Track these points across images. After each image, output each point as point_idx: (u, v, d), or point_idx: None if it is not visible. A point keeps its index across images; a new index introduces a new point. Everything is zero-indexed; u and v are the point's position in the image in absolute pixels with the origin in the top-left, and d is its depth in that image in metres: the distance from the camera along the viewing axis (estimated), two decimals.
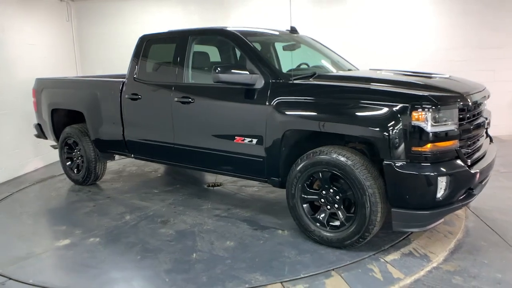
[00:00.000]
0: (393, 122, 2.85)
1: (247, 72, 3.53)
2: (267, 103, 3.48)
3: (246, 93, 3.63)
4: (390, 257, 3.11)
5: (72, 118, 5.51)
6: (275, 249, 3.33)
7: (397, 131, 2.85)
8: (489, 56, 7.16)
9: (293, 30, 4.74)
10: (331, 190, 3.24)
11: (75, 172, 5.43)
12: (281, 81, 3.51)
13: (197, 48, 4.26)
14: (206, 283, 2.87)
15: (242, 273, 2.98)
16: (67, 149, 5.46)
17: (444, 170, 2.84)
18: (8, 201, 5.00)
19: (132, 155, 4.80)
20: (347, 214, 3.19)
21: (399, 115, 2.85)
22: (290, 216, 3.63)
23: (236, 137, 3.73)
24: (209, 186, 5.17)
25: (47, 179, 5.93)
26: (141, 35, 4.64)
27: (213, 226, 3.86)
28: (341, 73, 4.19)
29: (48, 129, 5.62)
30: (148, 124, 4.47)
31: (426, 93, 2.89)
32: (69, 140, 5.38)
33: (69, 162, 5.50)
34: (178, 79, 4.17)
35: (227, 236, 3.63)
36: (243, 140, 3.68)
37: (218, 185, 5.16)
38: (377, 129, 2.90)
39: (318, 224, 3.34)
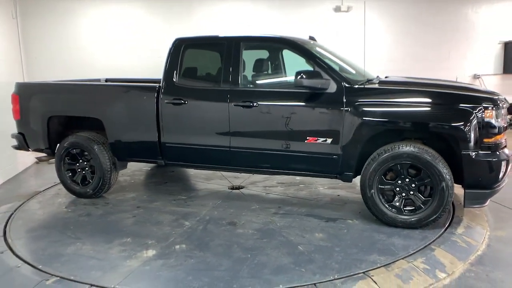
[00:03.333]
0: (472, 120, 3.57)
1: (328, 78, 3.90)
2: (345, 106, 3.89)
3: (317, 97, 3.99)
4: (459, 231, 3.81)
5: (70, 126, 5.03)
6: (365, 235, 3.74)
7: (475, 127, 3.57)
8: (421, 67, 8.56)
9: (312, 39, 5.21)
10: (407, 180, 3.81)
11: (80, 184, 4.94)
12: (354, 86, 3.96)
13: (248, 53, 4.43)
14: (341, 268, 3.14)
15: (362, 256, 3.33)
16: (68, 160, 4.94)
17: (505, 156, 3.67)
18: (19, 223, 4.33)
19: (165, 162, 4.65)
20: (424, 198, 3.79)
21: (475, 114, 3.58)
22: (343, 208, 4.06)
23: (308, 138, 4.03)
24: (233, 188, 5.26)
25: (33, 196, 5.22)
26: (176, 38, 4.56)
27: (285, 222, 4.07)
28: (395, 78, 4.79)
29: (40, 139, 4.99)
30: (196, 129, 4.42)
31: (493, 96, 3.69)
32: (74, 150, 4.88)
33: (70, 174, 4.97)
34: (233, 84, 4.27)
35: (308, 229, 3.89)
36: (316, 140, 4.01)
37: (241, 188, 5.28)
38: (460, 125, 3.58)
39: (394, 210, 3.87)
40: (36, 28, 7.28)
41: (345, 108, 3.89)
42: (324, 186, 5.21)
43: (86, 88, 5.02)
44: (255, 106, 4.15)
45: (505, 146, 3.78)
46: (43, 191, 5.44)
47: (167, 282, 3.06)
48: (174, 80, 4.48)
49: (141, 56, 7.64)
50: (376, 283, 2.96)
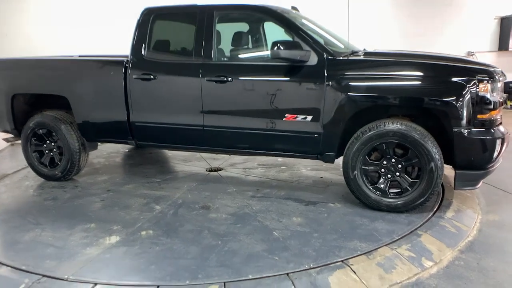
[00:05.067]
0: (465, 94, 3.26)
1: (309, 49, 3.56)
2: (326, 80, 3.56)
3: (297, 70, 3.66)
4: (448, 215, 3.54)
5: (38, 105, 4.68)
6: (347, 220, 3.46)
7: (468, 101, 3.26)
8: (411, 42, 8.21)
9: (295, 9, 4.84)
10: (393, 160, 3.52)
11: (48, 166, 4.62)
12: (337, 58, 3.63)
13: (223, 25, 4.07)
14: (318, 256, 2.87)
15: (342, 243, 3.05)
16: (35, 140, 4.61)
17: (499, 134, 3.37)
18: None
19: (137, 142, 4.33)
20: (412, 180, 3.50)
21: (469, 87, 3.26)
22: (326, 190, 3.80)
23: (287, 115, 3.72)
24: (211, 170, 4.96)
25: (1, 178, 4.90)
26: (145, 8, 4.18)
27: (262, 206, 3.78)
28: (383, 50, 4.45)
29: (5, 119, 4.64)
30: (166, 106, 4.09)
31: (489, 68, 3.37)
32: (40, 130, 4.54)
33: (37, 156, 4.64)
34: (206, 58, 3.92)
35: (286, 213, 3.61)
36: (296, 117, 3.70)
37: (219, 170, 4.98)
38: (452, 100, 3.27)
39: (378, 192, 3.58)
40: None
41: (327, 82, 3.56)
42: (307, 168, 4.92)
43: (49, 63, 4.65)
44: (229, 81, 3.81)
45: (500, 123, 3.49)
46: (11, 173, 5.12)
47: (127, 272, 2.78)
48: (143, 53, 4.12)
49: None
50: (355, 273, 2.69)
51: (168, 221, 3.51)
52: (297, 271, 2.68)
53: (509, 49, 9.61)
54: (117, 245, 3.12)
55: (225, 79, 3.82)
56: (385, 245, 3.02)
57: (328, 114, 3.61)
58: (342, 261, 2.81)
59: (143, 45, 4.11)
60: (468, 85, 3.28)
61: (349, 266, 2.74)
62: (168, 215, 3.63)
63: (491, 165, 3.43)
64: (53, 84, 4.41)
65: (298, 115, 3.69)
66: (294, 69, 3.67)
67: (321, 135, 3.67)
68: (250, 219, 3.50)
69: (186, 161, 5.42)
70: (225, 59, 4.06)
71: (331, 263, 2.77)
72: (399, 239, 3.11)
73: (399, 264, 2.81)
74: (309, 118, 3.66)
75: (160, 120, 4.12)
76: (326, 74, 3.57)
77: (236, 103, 3.88)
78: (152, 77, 4.03)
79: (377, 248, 2.97)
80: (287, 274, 2.66)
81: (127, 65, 4.13)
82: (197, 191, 4.23)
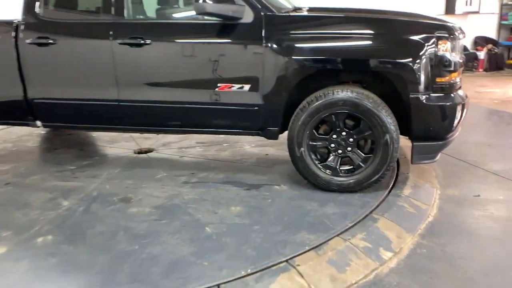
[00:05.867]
0: (422, 54, 2.79)
1: (243, 3, 2.92)
2: (264, 41, 2.96)
3: (229, 29, 3.03)
4: (406, 192, 3.14)
5: None
6: (293, 205, 2.96)
7: (426, 62, 2.80)
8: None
9: None
10: (344, 133, 3.03)
11: None
12: (276, 14, 3.02)
13: None
14: (259, 256, 2.34)
15: (287, 236, 2.55)
16: None
17: (460, 99, 2.97)
18: None
19: (40, 123, 3.54)
20: (365, 155, 3.05)
21: (427, 46, 2.80)
22: (271, 170, 3.32)
23: (219, 85, 3.09)
24: (140, 152, 4.27)
25: None
26: None
27: (195, 194, 3.19)
28: (330, 7, 3.85)
29: None
30: (71, 78, 3.32)
31: (447, 24, 2.92)
32: None
33: None
34: (117, 15, 3.17)
35: (223, 202, 3.05)
36: (230, 87, 3.09)
37: (150, 151, 4.30)
38: (408, 62, 2.80)
39: (328, 171, 3.11)
40: None
41: (265, 44, 2.97)
42: (251, 144, 4.36)
43: None
44: (147, 44, 3.11)
45: (460, 87, 3.08)
46: None
47: None
48: (38, 12, 3.28)
49: None
50: (302, 276, 2.19)
51: (75, 221, 2.83)
52: (231, 280, 2.14)
53: (456, 13, 9.49)
54: (1, 258, 2.42)
55: (141, 41, 3.11)
56: (337, 235, 2.55)
57: (269, 83, 3.03)
58: (287, 260, 2.30)
59: (37, 1, 3.28)
60: (426, 44, 2.82)
61: (295, 268, 2.23)
62: (77, 213, 2.95)
63: (451, 134, 3.04)
64: None
65: (233, 85, 3.08)
66: (226, 28, 3.04)
67: (261, 107, 3.10)
68: (179, 212, 2.90)
69: (111, 142, 4.66)
70: (141, 16, 3.33)
71: (274, 265, 2.25)
72: (353, 226, 2.66)
73: (354, 259, 2.36)
74: (246, 87, 3.07)
75: (64, 96, 3.36)
76: (264, 34, 2.97)
77: (158, 72, 3.20)
78: (50, 41, 3.23)
79: (327, 240, 2.49)
80: (218, 285, 2.11)
81: (18, 27, 3.29)
82: (119, 179, 3.54)
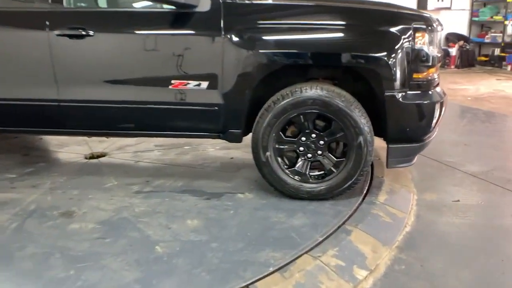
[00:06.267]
0: (399, 47, 2.52)
1: None
2: (223, 32, 2.63)
3: (184, 18, 2.68)
4: (381, 199, 2.87)
5: None
6: (258, 216, 2.64)
7: (402, 57, 2.53)
8: None
9: None
10: (313, 135, 2.74)
11: None
12: (237, 1, 2.69)
13: None
14: (215, 281, 2.01)
15: (249, 254, 2.22)
16: None
17: (438, 97, 2.72)
18: None
19: None
20: (336, 159, 2.76)
21: (403, 39, 2.53)
22: (235, 176, 3.02)
23: (173, 82, 2.74)
24: (92, 157, 3.85)
25: None
26: None
27: (148, 206, 2.82)
28: None
29: None
30: (1, 75, 2.88)
31: (424, 15, 2.65)
32: None
33: None
34: (55, 3, 2.76)
35: (179, 215, 2.70)
36: (186, 84, 2.74)
37: (102, 156, 3.89)
38: (383, 56, 2.52)
39: (297, 177, 2.80)
40: None
41: (225, 35, 2.63)
42: (215, 147, 4.01)
43: None
44: (90, 35, 2.72)
45: (438, 84, 2.84)
46: None
47: None
48: None
49: None
50: None
51: (2, 242, 2.42)
52: None
53: (428, 9, 9.40)
54: None
55: (83, 33, 2.72)
56: (306, 252, 2.24)
57: (229, 79, 2.70)
58: (247, 286, 1.98)
59: None
60: (402, 36, 2.55)
61: None
62: (8, 231, 2.53)
63: (428, 135, 2.79)
64: None
65: (188, 82, 2.73)
66: (180, 18, 2.69)
67: (221, 107, 2.76)
68: (127, 228, 2.53)
69: (61, 146, 4.21)
70: (83, 4, 2.93)
71: None
72: (323, 240, 2.36)
73: (324, 281, 2.06)
74: (204, 84, 2.73)
75: None
76: (222, 25, 2.63)
77: (102, 67, 2.82)
78: None
79: (295, 259, 2.17)
80: None
81: None
82: (63, 189, 3.13)
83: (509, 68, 9.48)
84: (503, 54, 9.74)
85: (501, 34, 9.89)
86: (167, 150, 3.98)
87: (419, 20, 2.59)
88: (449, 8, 10.02)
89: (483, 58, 10.37)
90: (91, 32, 2.72)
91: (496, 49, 10.01)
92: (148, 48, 2.73)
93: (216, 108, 2.76)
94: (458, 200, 2.96)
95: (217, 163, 3.62)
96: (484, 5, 10.49)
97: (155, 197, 2.96)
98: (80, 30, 2.72)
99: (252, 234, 2.43)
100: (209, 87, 2.72)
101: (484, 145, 4.28)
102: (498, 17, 9.96)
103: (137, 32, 2.76)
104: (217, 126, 2.83)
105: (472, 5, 10.53)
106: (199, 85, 2.72)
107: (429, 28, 2.60)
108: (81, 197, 2.99)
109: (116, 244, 2.36)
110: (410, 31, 2.53)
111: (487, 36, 10.28)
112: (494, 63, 9.94)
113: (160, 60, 2.72)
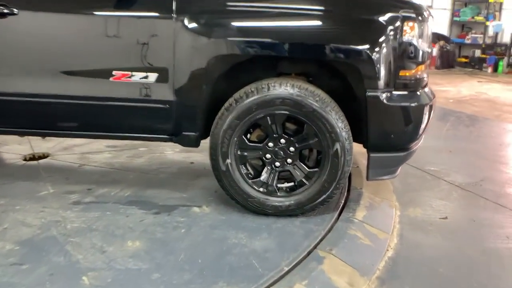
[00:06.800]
0: (384, 39, 2.12)
1: None
2: (175, 14, 2.18)
3: None
4: (359, 215, 2.48)
5: None
6: (214, 237, 2.21)
7: (388, 50, 2.14)
8: None
9: None
10: (283, 140, 2.32)
11: None
12: None
13: None
14: None
15: None
16: None
17: (427, 99, 2.34)
18: None
19: None
20: (309, 169, 2.35)
21: (390, 29, 2.13)
22: (193, 185, 2.60)
23: (115, 73, 2.27)
24: (31, 159, 3.34)
25: None
26: None
27: (83, 221, 2.34)
28: None
29: None
30: None
31: (415, 3, 2.26)
32: None
33: None
34: None
35: (119, 233, 2.24)
36: (130, 76, 2.27)
37: (44, 157, 3.38)
38: (365, 49, 2.12)
39: (262, 189, 2.38)
40: None
41: (177, 18, 2.18)
42: (175, 149, 3.54)
43: None
44: (14, 14, 2.23)
45: (426, 84, 2.46)
46: None
47: None
48: None
49: None
50: None
51: None
52: None
53: None
54: None
55: (5, 10, 2.22)
56: (269, 287, 1.84)
57: (183, 72, 2.25)
58: None
59: None
60: (389, 26, 2.15)
61: None
62: None
63: (415, 142, 2.42)
64: None
65: (133, 73, 2.27)
66: None
67: (173, 105, 2.31)
68: (52, 251, 2.06)
69: (0, 144, 3.69)
70: None
71: None
72: (290, 270, 1.95)
73: None
74: (152, 77, 2.27)
75: None
76: (175, 6, 2.18)
77: (31, 53, 2.32)
78: None
79: None
80: None
81: None
82: None
83: (489, 70, 9.32)
84: (483, 56, 9.58)
85: (482, 35, 9.73)
86: (119, 152, 3.50)
87: (408, 8, 2.20)
88: (430, 7, 9.79)
89: (463, 59, 10.20)
90: (15, 10, 2.22)
91: (476, 51, 9.84)
92: (83, 32, 2.26)
93: (167, 106, 2.31)
94: (446, 218, 2.61)
95: (174, 169, 3.17)
96: (465, 5, 10.33)
97: (94, 209, 2.49)
98: (1, 8, 2.22)
99: (204, 261, 2.00)
100: (158, 80, 2.26)
101: (469, 152, 3.97)
102: (480, 18, 9.79)
103: (70, 11, 2.27)
104: (168, 128, 2.37)
105: (453, 5, 10.34)
106: (146, 77, 2.26)
107: (420, 18, 2.21)
108: (6, 207, 2.49)
109: (34, 273, 1.89)
110: (398, 21, 2.14)
111: (467, 37, 10.12)
112: (474, 65, 9.78)
113: (98, 47, 2.25)
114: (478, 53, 9.80)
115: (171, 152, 3.51)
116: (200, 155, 3.39)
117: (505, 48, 9.26)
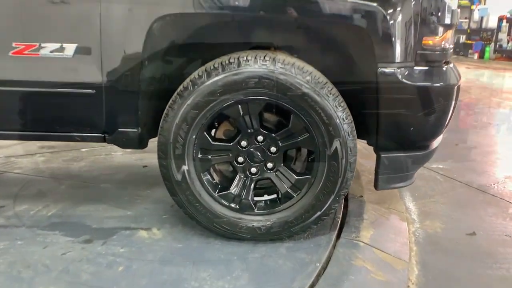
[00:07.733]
0: None
1: None
2: None
3: None
4: (365, 236, 1.85)
5: None
6: (162, 280, 1.53)
7: (408, 8, 1.51)
8: None
9: None
10: (260, 137, 1.67)
11: None
12: None
13: None
14: None
15: None
16: None
17: (455, 78, 1.72)
18: None
19: None
20: (297, 177, 1.70)
21: None
22: (145, 197, 1.96)
23: (15, 45, 1.56)
24: None
25: None
26: None
27: None
28: None
29: None
30: None
31: None
32: None
33: None
34: None
35: (26, 276, 1.53)
36: (38, 49, 1.57)
37: None
38: (377, 3, 1.48)
39: (233, 205, 1.73)
40: None
41: None
42: (125, 150, 2.84)
43: None
44: None
45: (450, 61, 1.85)
46: None
47: None
48: None
49: None
50: None
51: None
52: None
53: None
54: None
55: None
56: None
57: (114, 40, 1.56)
58: None
59: None
60: None
61: None
62: None
63: (437, 138, 1.81)
64: None
65: (42, 44, 1.56)
66: None
67: (102, 91, 1.62)
68: None
69: None
70: None
71: None
72: None
73: None
74: (70, 49, 1.57)
75: None
76: None
77: None
78: None
79: None
80: None
81: None
82: None
83: (475, 56, 8.90)
84: (469, 42, 9.15)
85: (467, 20, 9.30)
86: (55, 154, 2.77)
87: None
88: None
89: None
90: None
91: (461, 36, 9.42)
92: None
93: (93, 91, 1.61)
94: (474, 233, 2.01)
95: (122, 175, 2.47)
96: None
97: (1, 237, 1.79)
98: None
99: None
100: (78, 52, 1.56)
101: (478, 145, 3.42)
102: (464, 2, 9.36)
103: None
104: (97, 123, 1.68)
105: None
106: (60, 49, 1.56)
107: None
108: None
109: None
110: None
111: None
112: (459, 51, 9.35)
113: None
114: (463, 38, 9.38)
115: (120, 153, 2.81)
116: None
117: (491, 33, 8.84)
